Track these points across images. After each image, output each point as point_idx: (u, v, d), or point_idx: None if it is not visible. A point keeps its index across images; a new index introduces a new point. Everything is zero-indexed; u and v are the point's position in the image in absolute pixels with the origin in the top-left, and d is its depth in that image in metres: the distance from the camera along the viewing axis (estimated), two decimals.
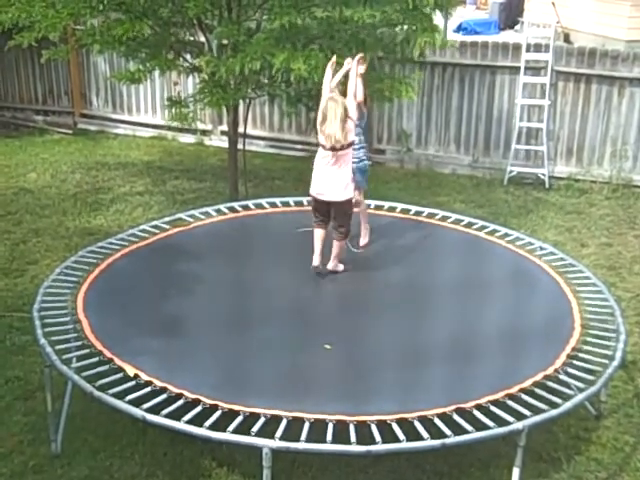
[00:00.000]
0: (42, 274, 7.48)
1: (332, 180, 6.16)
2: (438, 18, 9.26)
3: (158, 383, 4.79)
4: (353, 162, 6.42)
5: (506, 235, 7.11)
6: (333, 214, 6.28)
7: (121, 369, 4.93)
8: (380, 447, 4.38)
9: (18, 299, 7.30)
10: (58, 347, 5.16)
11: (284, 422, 4.47)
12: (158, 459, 5.31)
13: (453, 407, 4.62)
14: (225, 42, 8.12)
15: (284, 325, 5.70)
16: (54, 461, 5.30)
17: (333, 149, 6.06)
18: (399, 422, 4.49)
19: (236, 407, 4.58)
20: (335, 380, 5.23)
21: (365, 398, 4.87)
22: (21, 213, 9.35)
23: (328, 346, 5.39)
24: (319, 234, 6.36)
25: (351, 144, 6.16)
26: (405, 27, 8.46)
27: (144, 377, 4.84)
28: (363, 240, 6.94)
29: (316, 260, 6.29)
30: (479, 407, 4.65)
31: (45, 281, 6.07)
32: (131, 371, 4.90)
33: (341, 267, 6.43)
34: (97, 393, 4.74)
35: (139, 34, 7.80)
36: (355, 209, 6.69)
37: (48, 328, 5.35)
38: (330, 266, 6.39)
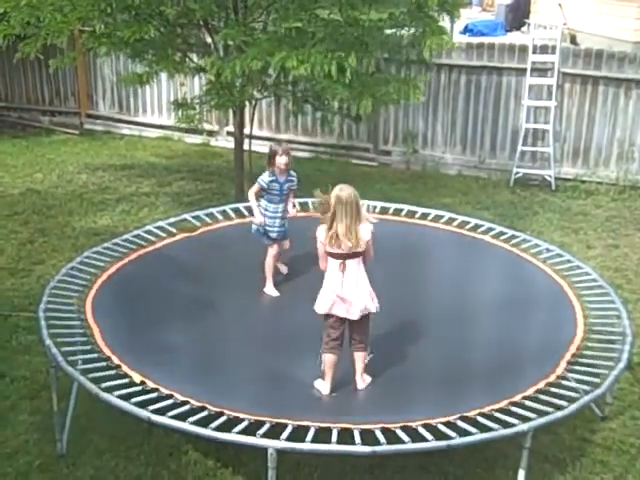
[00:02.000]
0: (48, 274, 7.49)
1: (354, 295, 5.14)
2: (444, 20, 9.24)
3: (164, 390, 4.78)
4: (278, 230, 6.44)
5: (512, 237, 7.09)
6: (353, 329, 5.26)
7: (128, 375, 4.92)
8: (385, 448, 4.37)
9: (24, 299, 7.32)
10: (64, 348, 5.16)
11: (289, 428, 4.46)
12: (163, 460, 5.31)
13: (458, 415, 4.60)
14: (231, 43, 8.13)
15: (293, 333, 5.69)
16: (59, 461, 5.30)
17: (346, 256, 5.10)
18: (404, 429, 4.48)
19: (242, 415, 4.57)
20: (341, 393, 5.23)
21: (369, 408, 4.88)
22: (28, 213, 9.38)
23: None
24: (333, 361, 5.22)
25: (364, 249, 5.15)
26: (412, 30, 8.47)
27: (150, 384, 4.83)
28: (284, 268, 6.79)
29: (327, 389, 5.26)
30: (484, 415, 4.63)
31: (51, 281, 6.07)
32: (138, 378, 4.89)
33: (369, 379, 5.37)
34: (103, 394, 4.74)
35: (146, 36, 7.80)
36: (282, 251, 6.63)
37: (54, 329, 5.35)
38: (360, 385, 5.31)
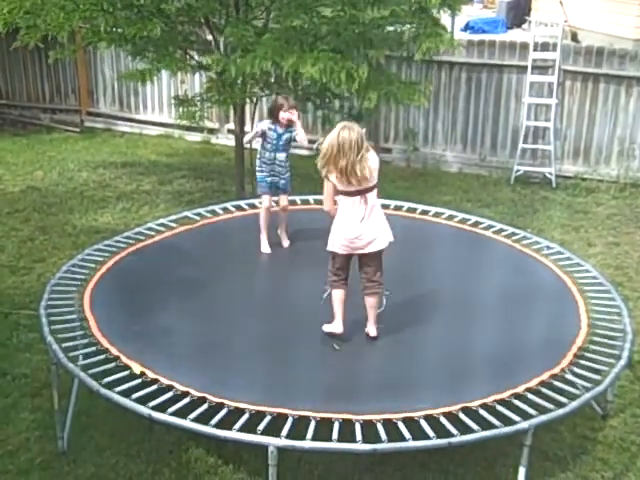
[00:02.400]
0: (49, 272, 7.50)
1: (371, 228, 5.14)
2: (445, 17, 9.24)
3: (164, 381, 4.79)
4: (284, 172, 6.56)
5: (513, 234, 7.09)
6: (364, 265, 5.25)
7: (127, 367, 4.94)
8: (386, 446, 4.37)
9: (25, 297, 7.32)
10: (65, 345, 5.17)
11: (290, 420, 4.47)
12: (164, 457, 5.32)
13: (459, 406, 4.61)
14: (232, 40, 8.13)
15: (292, 323, 5.69)
16: (61, 458, 5.31)
17: (359, 192, 5.09)
18: (405, 421, 4.49)
19: (242, 405, 4.58)
20: (342, 380, 5.23)
21: (371, 398, 4.86)
22: (28, 211, 9.38)
23: (337, 346, 5.38)
24: (341, 296, 5.28)
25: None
26: (413, 27, 8.48)
27: (150, 375, 4.85)
28: (286, 242, 6.80)
29: (340, 327, 5.30)
30: (485, 406, 4.64)
31: (52, 279, 6.08)
32: (137, 369, 4.91)
33: (375, 332, 5.38)
34: (103, 391, 4.75)
35: (149, 33, 7.79)
36: (282, 213, 6.71)
37: (55, 326, 5.36)
38: (373, 332, 5.36)
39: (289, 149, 6.68)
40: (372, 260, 5.22)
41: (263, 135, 6.55)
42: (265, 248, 6.66)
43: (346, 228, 5.14)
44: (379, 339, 5.48)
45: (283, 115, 6.45)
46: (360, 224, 5.12)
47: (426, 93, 8.43)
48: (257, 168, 6.69)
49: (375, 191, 5.17)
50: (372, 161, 5.10)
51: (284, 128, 6.53)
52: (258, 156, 6.68)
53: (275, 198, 6.75)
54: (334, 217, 5.27)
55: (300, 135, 6.53)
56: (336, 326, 5.28)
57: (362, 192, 5.08)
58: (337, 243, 5.21)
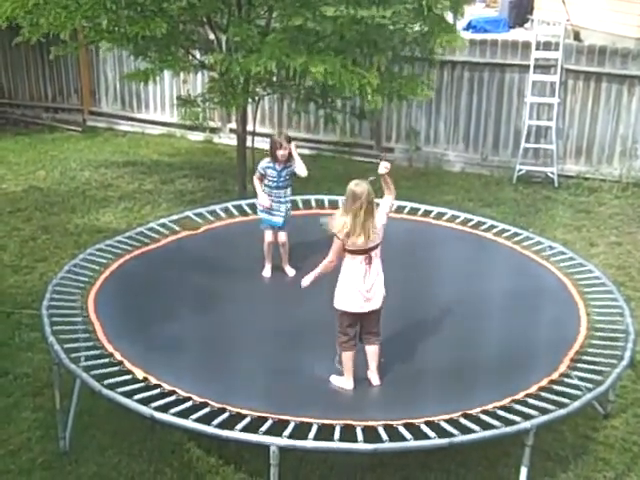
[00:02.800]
0: (51, 271, 7.51)
1: (377, 285, 5.16)
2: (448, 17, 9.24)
3: (167, 386, 4.79)
4: (283, 210, 6.62)
5: (515, 234, 7.08)
6: (366, 323, 5.23)
7: (130, 372, 4.93)
8: (387, 445, 4.38)
9: (27, 296, 7.33)
10: (67, 345, 5.17)
11: (291, 425, 4.46)
12: (166, 456, 5.32)
13: (460, 412, 4.61)
14: (236, 40, 8.14)
15: (296, 333, 5.70)
16: (62, 458, 5.32)
17: (366, 252, 5.08)
18: (406, 427, 4.48)
19: (244, 411, 4.58)
20: (343, 389, 5.23)
21: (372, 406, 4.87)
22: (30, 210, 9.39)
23: (339, 365, 5.33)
24: (353, 357, 5.20)
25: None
26: (417, 28, 8.47)
27: (153, 380, 4.84)
28: (291, 272, 6.74)
29: (351, 384, 5.23)
30: (486, 412, 4.63)
31: (54, 278, 6.09)
32: (140, 374, 4.90)
33: (377, 380, 5.30)
34: (105, 391, 4.75)
35: (153, 33, 7.79)
36: (282, 249, 6.74)
37: (57, 326, 5.36)
38: (376, 380, 5.27)
39: (291, 183, 6.73)
40: (372, 317, 5.22)
41: (264, 175, 6.62)
42: (267, 273, 6.75)
43: (361, 286, 5.11)
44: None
45: (278, 153, 6.51)
46: (371, 281, 5.12)
47: (429, 85, 8.41)
48: (259, 206, 6.76)
49: (379, 249, 5.15)
50: (379, 221, 5.10)
51: (283, 164, 6.58)
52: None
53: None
54: (329, 269, 5.21)
55: (299, 169, 6.60)
56: (347, 383, 5.25)
57: (369, 250, 5.08)
58: (351, 302, 5.14)
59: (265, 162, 6.63)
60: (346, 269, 5.14)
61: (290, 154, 6.56)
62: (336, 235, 5.07)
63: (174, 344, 5.43)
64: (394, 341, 5.56)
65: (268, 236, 6.71)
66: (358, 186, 5.03)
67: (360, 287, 5.09)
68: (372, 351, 5.26)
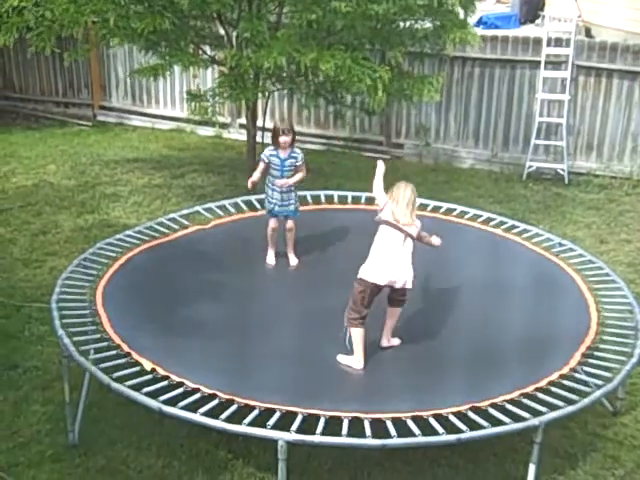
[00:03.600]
0: (61, 265, 7.52)
1: (405, 264, 5.41)
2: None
3: (175, 378, 4.80)
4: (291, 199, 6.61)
5: (525, 231, 7.07)
6: (395, 295, 5.49)
7: (138, 363, 4.95)
8: (396, 441, 4.38)
9: (37, 290, 7.35)
10: (76, 338, 5.19)
11: (299, 418, 4.47)
12: (174, 450, 5.33)
13: (468, 405, 4.60)
14: (247, 35, 8.15)
15: (304, 325, 5.70)
16: (71, 451, 5.34)
17: (408, 234, 5.43)
18: (414, 419, 4.49)
19: (252, 402, 4.59)
20: (352, 380, 5.23)
21: (381, 397, 4.87)
22: (41, 204, 9.41)
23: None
24: (362, 334, 5.35)
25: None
26: (428, 24, 8.46)
27: (161, 372, 4.86)
28: (293, 260, 6.76)
29: (361, 363, 5.34)
30: (495, 406, 4.63)
31: (64, 272, 6.11)
32: (148, 365, 4.92)
33: (397, 341, 5.62)
34: (114, 385, 4.77)
35: (160, 27, 7.80)
36: (289, 233, 6.70)
37: (66, 319, 5.38)
38: (386, 343, 5.57)
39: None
40: (402, 293, 5.49)
41: (268, 163, 6.61)
42: (271, 260, 6.75)
43: (393, 260, 5.38)
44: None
45: (281, 139, 6.47)
46: (403, 260, 5.40)
47: (436, 85, 8.39)
48: (266, 196, 6.75)
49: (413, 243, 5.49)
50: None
51: (286, 153, 6.55)
52: (267, 182, 6.71)
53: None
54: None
55: (295, 178, 6.60)
56: (356, 362, 5.34)
57: (408, 235, 5.43)
58: (380, 274, 5.34)
59: (269, 150, 6.62)
60: (382, 243, 5.40)
61: (293, 141, 6.53)
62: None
63: (183, 336, 5.45)
64: (404, 333, 5.57)
65: (271, 222, 6.69)
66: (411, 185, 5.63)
67: (392, 261, 5.34)
68: (393, 312, 5.53)
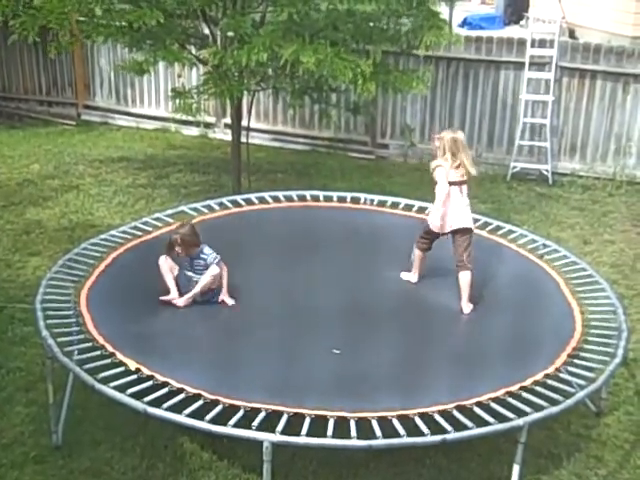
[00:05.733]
0: (44, 266, 7.49)
1: (467, 210, 6.17)
2: (444, 9, 9.22)
3: (160, 378, 4.79)
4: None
5: (510, 232, 7.10)
6: (460, 242, 6.07)
7: (123, 363, 4.94)
8: (381, 442, 4.38)
9: (20, 290, 7.31)
10: (60, 339, 5.16)
11: (285, 417, 4.47)
12: (159, 451, 5.32)
13: (454, 404, 4.62)
14: (231, 34, 8.12)
15: (291, 323, 5.71)
16: (55, 452, 5.31)
17: (462, 183, 6.12)
18: (400, 418, 4.50)
19: (237, 402, 4.58)
20: (338, 379, 5.22)
21: (366, 396, 4.87)
22: (24, 204, 9.35)
23: (337, 351, 5.38)
24: (421, 255, 6.31)
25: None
26: (410, 20, 8.46)
27: (146, 372, 4.84)
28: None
29: (416, 277, 6.33)
30: (480, 404, 4.65)
31: (47, 273, 6.08)
32: (133, 365, 4.90)
33: (471, 306, 6.00)
34: (98, 386, 4.75)
35: (145, 24, 7.77)
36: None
37: (50, 320, 5.35)
38: (467, 309, 5.97)
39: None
40: (466, 238, 6.10)
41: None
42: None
43: (454, 213, 6.09)
44: (373, 341, 5.51)
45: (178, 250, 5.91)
46: (461, 209, 6.11)
47: (424, 80, 8.40)
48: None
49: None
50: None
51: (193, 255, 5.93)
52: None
53: None
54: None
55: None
56: (412, 276, 6.35)
57: (464, 183, 6.12)
58: (433, 220, 6.16)
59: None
60: (446, 196, 6.06)
61: (194, 245, 5.89)
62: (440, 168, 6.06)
63: (167, 335, 5.45)
64: (390, 331, 5.58)
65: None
66: (456, 133, 6.16)
67: (452, 213, 6.06)
68: (463, 279, 6.00)
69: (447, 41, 8.33)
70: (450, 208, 6.06)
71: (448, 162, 6.02)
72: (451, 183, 6.04)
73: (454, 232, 6.09)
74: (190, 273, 5.96)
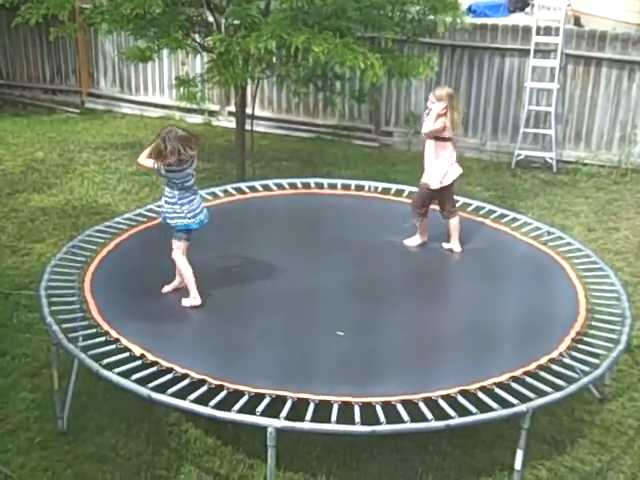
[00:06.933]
0: (49, 252, 7.51)
1: (452, 166, 6.47)
2: None
3: (164, 363, 4.81)
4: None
5: (514, 219, 7.09)
6: (443, 198, 6.52)
7: (127, 349, 4.95)
8: (385, 427, 4.40)
9: (25, 277, 7.33)
10: (65, 325, 5.18)
11: (289, 403, 4.49)
12: (163, 437, 5.34)
13: (457, 389, 4.63)
14: (236, 22, 8.08)
15: (292, 308, 5.71)
16: (60, 438, 5.34)
17: (450, 139, 6.41)
18: (404, 403, 4.51)
19: (241, 388, 4.60)
20: (342, 363, 5.23)
21: (371, 381, 4.88)
22: (28, 191, 9.37)
23: (341, 333, 5.38)
24: (419, 222, 6.67)
25: None
26: (418, 7, 8.45)
27: (150, 357, 4.86)
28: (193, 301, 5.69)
29: (419, 240, 6.70)
30: (484, 389, 4.66)
31: (52, 260, 6.09)
32: (138, 351, 4.92)
33: (459, 248, 6.60)
34: (103, 371, 4.77)
35: (148, 12, 7.76)
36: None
37: (55, 307, 5.37)
38: (457, 247, 6.56)
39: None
40: (450, 193, 6.54)
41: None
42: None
43: (437, 168, 6.41)
44: (376, 325, 5.50)
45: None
46: (447, 164, 6.42)
47: (430, 64, 8.38)
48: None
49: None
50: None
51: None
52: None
53: None
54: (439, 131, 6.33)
55: None
56: (416, 240, 6.66)
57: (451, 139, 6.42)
58: (432, 180, 6.44)
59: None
60: (438, 154, 6.35)
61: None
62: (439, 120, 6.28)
63: (172, 320, 5.46)
64: (395, 315, 5.59)
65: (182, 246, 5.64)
66: (450, 88, 6.52)
67: (439, 168, 6.38)
68: (453, 224, 6.52)
69: (464, 25, 8.34)
70: (446, 163, 6.42)
71: (448, 117, 6.30)
72: (447, 139, 6.35)
73: (448, 185, 6.48)
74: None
